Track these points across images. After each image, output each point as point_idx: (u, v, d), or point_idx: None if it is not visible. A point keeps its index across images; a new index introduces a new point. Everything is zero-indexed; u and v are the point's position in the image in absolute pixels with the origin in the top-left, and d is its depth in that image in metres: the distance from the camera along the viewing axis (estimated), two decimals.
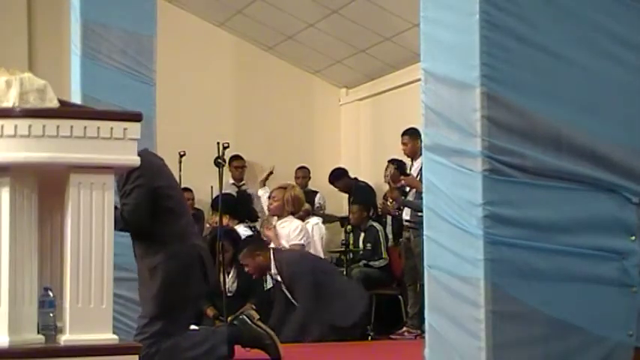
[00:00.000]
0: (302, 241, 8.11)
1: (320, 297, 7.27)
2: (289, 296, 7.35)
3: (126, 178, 4.96)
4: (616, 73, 3.56)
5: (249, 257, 7.48)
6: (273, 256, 7.46)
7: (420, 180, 7.84)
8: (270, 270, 7.47)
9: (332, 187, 10.84)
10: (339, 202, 10.95)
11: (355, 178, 10.56)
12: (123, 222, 4.95)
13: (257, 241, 7.72)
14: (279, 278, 7.42)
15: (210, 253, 5.82)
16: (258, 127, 11.61)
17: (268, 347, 5.60)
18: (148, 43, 6.46)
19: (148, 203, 5.03)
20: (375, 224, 9.45)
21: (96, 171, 3.57)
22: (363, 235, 9.47)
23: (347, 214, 10.16)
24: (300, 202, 8.39)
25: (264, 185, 9.13)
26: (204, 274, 5.26)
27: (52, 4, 10.67)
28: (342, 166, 10.93)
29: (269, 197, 8.60)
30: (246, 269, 7.63)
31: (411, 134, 8.64)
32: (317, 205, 10.50)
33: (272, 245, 8.08)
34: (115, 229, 4.90)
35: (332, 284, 7.39)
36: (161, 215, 5.10)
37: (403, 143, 8.69)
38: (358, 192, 10.20)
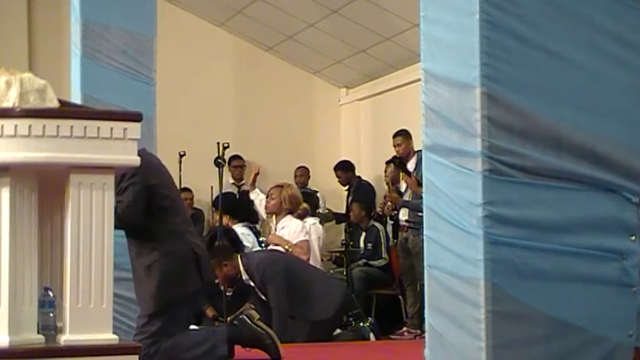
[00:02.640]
0: (306, 237, 8.09)
1: (293, 295, 7.20)
2: (264, 298, 7.29)
3: (122, 175, 4.96)
4: (616, 73, 3.56)
5: (216, 268, 7.34)
6: (242, 262, 7.38)
7: (418, 180, 7.85)
8: (240, 277, 7.39)
9: (331, 186, 10.86)
10: (339, 201, 10.95)
11: (359, 177, 10.58)
12: (116, 219, 4.94)
13: (223, 250, 7.54)
14: (251, 283, 7.36)
15: (207, 250, 5.80)
16: (258, 127, 11.61)
17: (268, 347, 5.60)
18: (149, 43, 6.45)
19: (142, 201, 5.04)
20: (377, 224, 9.47)
21: (96, 171, 3.57)
22: (364, 234, 9.49)
23: (345, 211, 10.19)
24: (298, 201, 8.37)
25: (254, 188, 9.10)
26: (200, 271, 5.26)
27: (52, 4, 10.67)
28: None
29: (267, 196, 8.59)
30: (219, 280, 7.55)
31: (404, 135, 8.69)
32: (322, 207, 10.54)
33: (273, 247, 8.04)
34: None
35: (305, 280, 7.31)
36: (155, 213, 5.11)
37: (397, 144, 8.72)
38: (359, 190, 10.22)
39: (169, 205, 5.21)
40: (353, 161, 10.98)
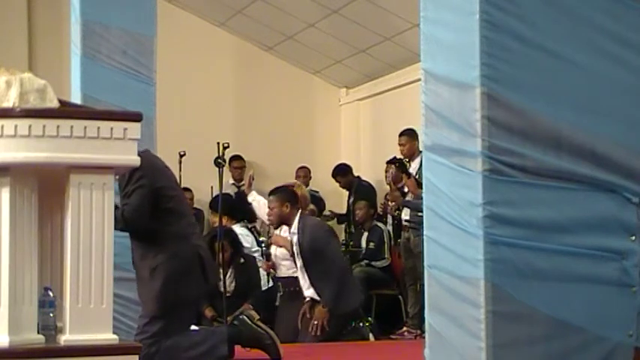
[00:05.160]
0: None
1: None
2: (301, 267, 7.22)
3: (128, 178, 4.96)
4: (616, 73, 3.56)
5: (277, 202, 7.31)
6: (299, 218, 7.30)
7: (418, 181, 7.85)
8: (290, 225, 7.31)
9: (332, 186, 10.86)
10: (339, 201, 10.96)
11: (358, 177, 10.58)
12: (123, 222, 4.96)
13: (291, 194, 7.52)
14: (295, 238, 7.31)
15: (210, 252, 5.80)
16: (258, 127, 11.62)
17: (268, 347, 5.60)
18: (148, 43, 6.45)
19: (149, 204, 5.04)
20: (380, 224, 9.46)
21: (96, 171, 3.58)
22: (366, 234, 9.48)
23: (345, 212, 10.18)
24: (307, 202, 8.33)
25: (251, 191, 9.05)
26: (205, 274, 5.26)
27: (52, 4, 10.67)
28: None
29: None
30: (268, 213, 7.50)
31: (409, 135, 8.65)
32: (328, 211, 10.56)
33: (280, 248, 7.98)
34: (115, 228, 4.95)
35: (344, 270, 7.33)
36: (162, 216, 5.10)
37: (401, 144, 8.69)
38: (360, 191, 10.22)
39: (175, 207, 5.20)
40: (353, 161, 10.99)
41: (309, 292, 7.22)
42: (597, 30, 3.53)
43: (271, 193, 7.55)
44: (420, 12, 3.71)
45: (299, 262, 7.23)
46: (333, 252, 7.21)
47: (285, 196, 7.40)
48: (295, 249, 7.26)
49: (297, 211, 7.36)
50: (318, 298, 7.14)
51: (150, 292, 5.13)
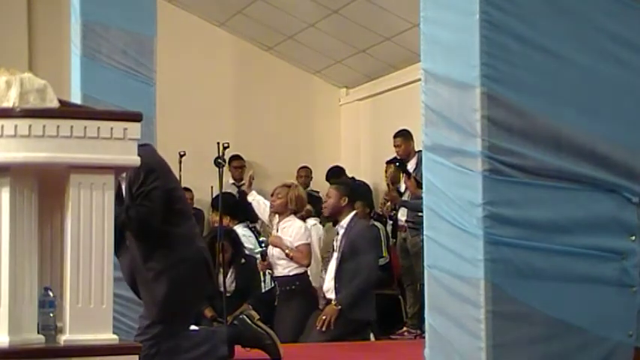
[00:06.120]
0: (308, 240, 8.06)
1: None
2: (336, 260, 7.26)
3: (143, 178, 4.88)
4: (616, 73, 3.56)
5: (337, 193, 7.40)
6: (353, 217, 7.38)
7: (417, 181, 7.85)
8: (341, 218, 7.39)
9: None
10: None
11: (352, 178, 10.58)
12: (137, 223, 4.90)
13: (352, 191, 7.63)
14: (341, 232, 7.32)
15: (210, 252, 5.80)
16: (258, 127, 11.61)
17: (268, 347, 5.60)
18: (149, 43, 6.45)
19: (163, 205, 4.98)
20: (377, 224, 9.46)
21: (96, 171, 3.57)
22: None
23: None
24: (303, 203, 8.34)
25: (251, 191, 9.06)
26: (210, 277, 5.25)
27: (52, 3, 10.67)
28: (342, 166, 10.96)
29: (272, 194, 8.55)
30: (325, 199, 7.60)
31: (404, 135, 8.66)
32: None
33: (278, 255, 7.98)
34: (126, 229, 4.93)
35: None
36: (171, 217, 5.02)
37: (396, 145, 8.70)
38: (356, 191, 10.20)
39: (183, 209, 5.16)
40: (353, 161, 10.98)
41: (328, 285, 7.25)
42: (597, 30, 3.53)
43: (334, 183, 7.61)
44: (420, 12, 3.71)
45: (334, 255, 7.28)
46: (368, 261, 7.23)
47: (345, 190, 7.51)
48: (336, 244, 7.34)
49: (352, 209, 7.47)
50: (332, 296, 7.16)
51: (152, 296, 5.07)
